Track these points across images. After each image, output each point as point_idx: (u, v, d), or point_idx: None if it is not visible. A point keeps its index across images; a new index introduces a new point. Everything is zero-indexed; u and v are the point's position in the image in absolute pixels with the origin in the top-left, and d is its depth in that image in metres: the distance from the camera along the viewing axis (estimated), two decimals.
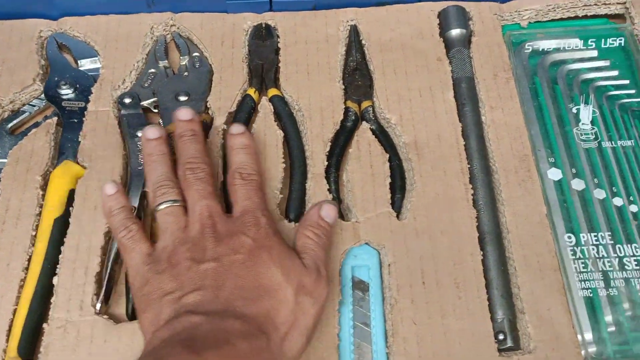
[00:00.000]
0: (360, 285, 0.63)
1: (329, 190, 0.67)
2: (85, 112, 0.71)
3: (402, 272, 0.62)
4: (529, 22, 0.79)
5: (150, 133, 0.61)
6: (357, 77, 0.75)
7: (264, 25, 0.78)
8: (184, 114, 0.62)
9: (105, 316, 0.60)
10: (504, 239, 0.65)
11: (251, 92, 0.73)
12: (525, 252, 0.63)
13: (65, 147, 0.68)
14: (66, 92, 0.72)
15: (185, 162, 0.59)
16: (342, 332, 0.60)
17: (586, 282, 0.61)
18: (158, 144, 0.61)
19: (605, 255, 0.62)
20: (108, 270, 0.61)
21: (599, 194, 0.65)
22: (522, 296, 0.61)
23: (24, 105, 0.73)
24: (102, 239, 0.63)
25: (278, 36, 0.77)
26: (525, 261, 0.63)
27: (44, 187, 0.66)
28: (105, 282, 0.61)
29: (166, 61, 0.75)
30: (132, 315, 0.61)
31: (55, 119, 0.70)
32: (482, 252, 0.63)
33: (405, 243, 0.64)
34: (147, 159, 0.61)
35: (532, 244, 0.64)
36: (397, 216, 0.66)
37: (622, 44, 0.76)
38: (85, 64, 0.75)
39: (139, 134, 0.69)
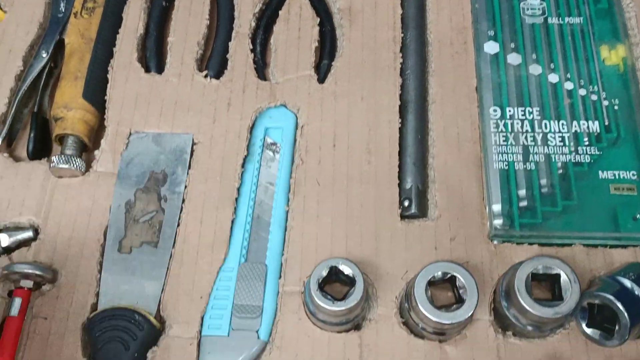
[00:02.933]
0: (271, 147, 0.61)
1: (251, 50, 0.64)
2: None
3: (314, 134, 0.60)
4: None
5: None
6: None
7: None
8: None
9: (5, 154, 0.59)
10: (427, 110, 0.61)
11: None
12: (447, 123, 0.60)
13: None
14: None
15: None
16: (243, 187, 0.58)
17: (504, 155, 0.57)
18: None
19: (529, 130, 0.58)
20: (13, 111, 0.60)
21: (535, 69, 0.61)
22: (435, 166, 0.58)
23: None
24: (12, 80, 0.62)
25: None
26: (445, 132, 0.59)
27: None
28: (9, 122, 0.60)
29: None
30: (32, 155, 0.59)
31: None
32: (400, 120, 0.60)
33: (321, 105, 0.61)
34: None
35: (454, 116, 0.60)
36: (319, 80, 0.63)
37: None
38: None
39: None
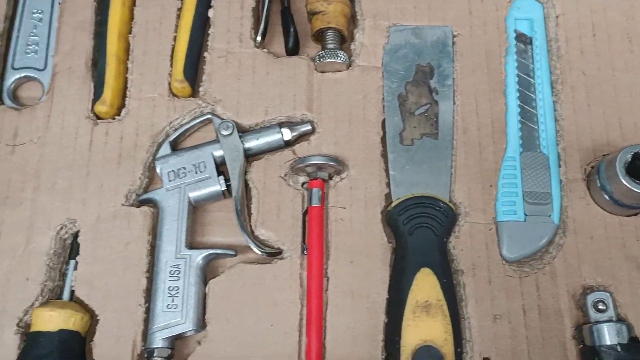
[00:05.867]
0: (522, 38, 0.60)
1: None
2: None
3: (571, 24, 0.59)
4: None
5: None
6: None
7: None
8: None
9: (264, 50, 0.59)
10: None
11: None
12: None
13: None
14: None
15: None
16: (507, 79, 0.58)
17: None
18: None
19: None
20: (266, 5, 0.59)
21: None
22: None
23: None
24: None
25: None
26: None
27: None
28: (263, 17, 0.59)
29: None
30: (291, 51, 0.59)
31: None
32: None
33: None
34: None
35: None
36: None
37: None
38: None
39: None
